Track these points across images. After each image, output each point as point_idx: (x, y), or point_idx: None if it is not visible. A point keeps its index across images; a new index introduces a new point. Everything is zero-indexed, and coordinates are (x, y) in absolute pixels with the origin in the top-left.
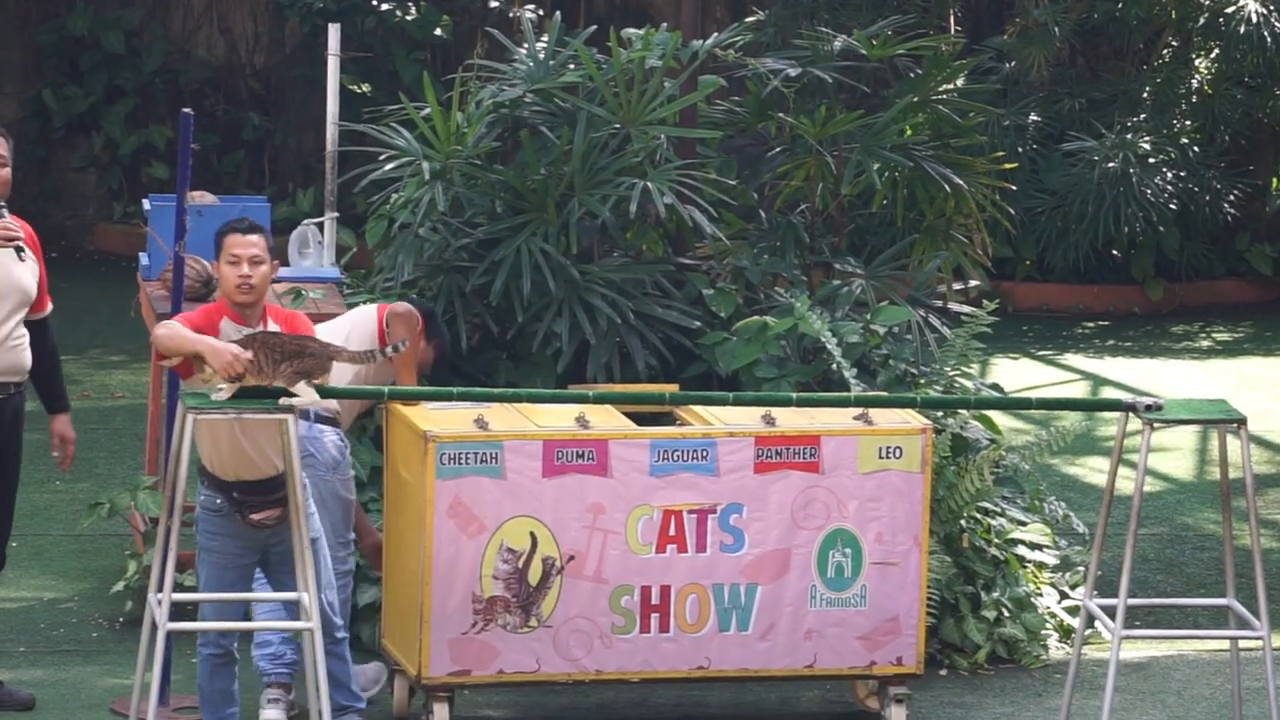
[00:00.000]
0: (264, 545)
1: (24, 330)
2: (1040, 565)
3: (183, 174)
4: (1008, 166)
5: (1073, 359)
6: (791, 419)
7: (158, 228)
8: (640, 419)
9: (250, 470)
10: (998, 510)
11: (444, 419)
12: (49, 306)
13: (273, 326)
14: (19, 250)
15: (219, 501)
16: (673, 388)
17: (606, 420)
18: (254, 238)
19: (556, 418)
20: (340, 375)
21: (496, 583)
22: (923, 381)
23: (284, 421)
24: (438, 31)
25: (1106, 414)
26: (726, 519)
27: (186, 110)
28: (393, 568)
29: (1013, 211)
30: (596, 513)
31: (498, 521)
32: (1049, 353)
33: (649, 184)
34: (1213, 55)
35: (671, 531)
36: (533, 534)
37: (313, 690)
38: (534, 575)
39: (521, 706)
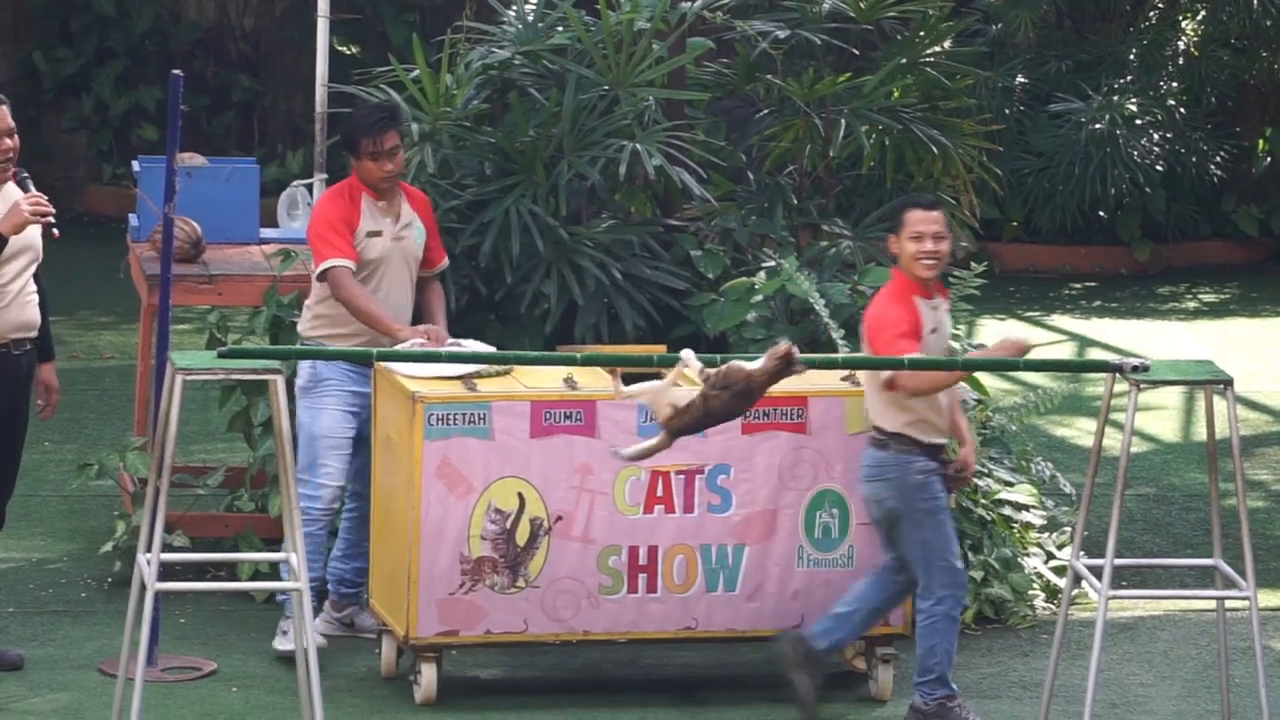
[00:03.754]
0: None
1: (34, 287)
2: (1027, 526)
3: (173, 136)
4: (995, 128)
5: (1060, 320)
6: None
7: (147, 189)
8: (628, 380)
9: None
10: (985, 471)
11: (432, 380)
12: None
13: (941, 309)
14: (51, 225)
15: (936, 464)
16: (661, 349)
17: (595, 381)
18: (935, 214)
19: (545, 379)
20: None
21: (484, 543)
22: None
23: (272, 382)
24: None
25: (1093, 375)
26: (714, 479)
27: (177, 72)
28: (381, 529)
29: (1000, 173)
30: (584, 473)
31: (486, 482)
32: (1036, 314)
33: (638, 146)
34: (1199, 17)
35: (659, 492)
36: (520, 495)
37: (300, 653)
38: (522, 536)
39: (509, 667)
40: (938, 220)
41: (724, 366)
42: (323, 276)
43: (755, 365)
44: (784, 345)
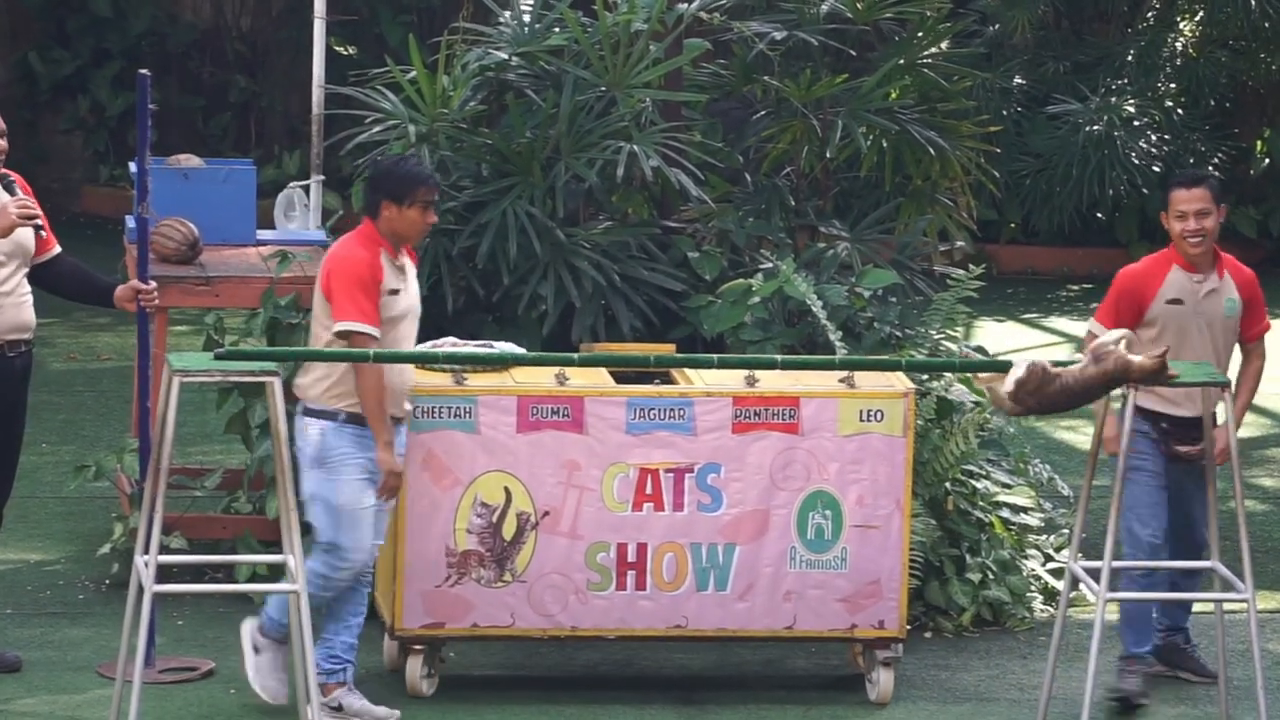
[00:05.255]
0: (1178, 479)
1: (28, 287)
2: (1025, 528)
3: (142, 136)
4: (992, 129)
5: (1057, 322)
6: (773, 381)
7: None
8: (624, 378)
9: (1183, 408)
10: (983, 473)
11: (421, 372)
12: (56, 246)
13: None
14: (38, 229)
15: (1147, 428)
16: (664, 348)
17: (583, 377)
18: (1198, 191)
19: (534, 374)
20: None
21: (470, 537)
22: (906, 345)
23: (270, 384)
24: None
25: None
26: (704, 478)
27: (143, 71)
28: None
29: (998, 175)
30: (572, 469)
31: (471, 476)
32: (1034, 315)
33: (635, 147)
34: (1197, 18)
35: (648, 490)
36: (507, 489)
37: (298, 653)
38: (508, 530)
39: (507, 666)
40: (1200, 198)
41: (1119, 352)
42: (344, 334)
43: (1136, 362)
44: (1159, 351)
